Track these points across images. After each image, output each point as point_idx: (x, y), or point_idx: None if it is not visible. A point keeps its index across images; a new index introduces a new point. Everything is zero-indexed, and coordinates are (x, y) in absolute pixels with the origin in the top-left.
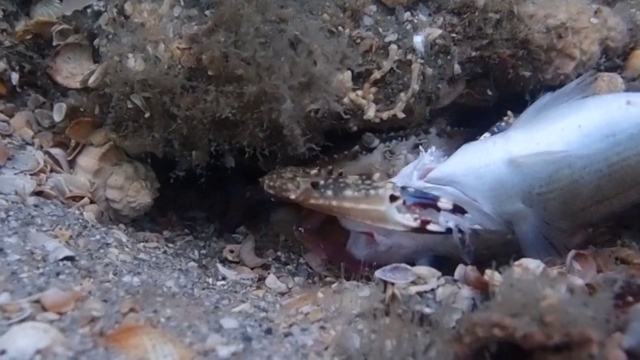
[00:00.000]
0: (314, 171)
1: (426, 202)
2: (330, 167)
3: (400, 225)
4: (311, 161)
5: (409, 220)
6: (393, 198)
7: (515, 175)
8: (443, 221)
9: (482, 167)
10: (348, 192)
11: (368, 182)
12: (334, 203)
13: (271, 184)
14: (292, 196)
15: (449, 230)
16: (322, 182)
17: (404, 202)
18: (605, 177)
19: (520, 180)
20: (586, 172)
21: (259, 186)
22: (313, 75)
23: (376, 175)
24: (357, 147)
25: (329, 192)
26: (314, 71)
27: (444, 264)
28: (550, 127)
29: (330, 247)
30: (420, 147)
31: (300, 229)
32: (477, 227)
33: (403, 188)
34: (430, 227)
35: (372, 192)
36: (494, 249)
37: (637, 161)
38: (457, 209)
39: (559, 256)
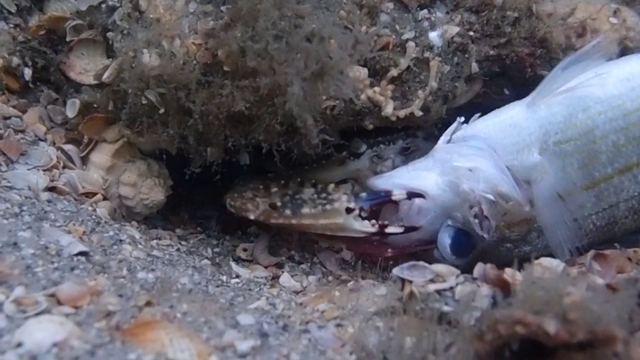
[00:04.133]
0: (274, 189)
1: (381, 200)
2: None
3: (361, 232)
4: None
5: (368, 227)
6: (349, 210)
7: (532, 120)
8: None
9: (503, 117)
10: (305, 210)
11: (324, 195)
12: (294, 222)
13: (232, 203)
14: (252, 217)
15: (407, 230)
16: (279, 203)
17: (361, 209)
18: (623, 131)
19: (537, 126)
20: (601, 120)
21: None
22: (326, 63)
23: (330, 187)
24: (345, 153)
25: (288, 212)
26: (326, 59)
27: (465, 242)
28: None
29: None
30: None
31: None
32: (490, 196)
33: (356, 196)
34: (389, 229)
35: (328, 207)
36: (515, 232)
37: None
38: (413, 195)
39: (574, 241)
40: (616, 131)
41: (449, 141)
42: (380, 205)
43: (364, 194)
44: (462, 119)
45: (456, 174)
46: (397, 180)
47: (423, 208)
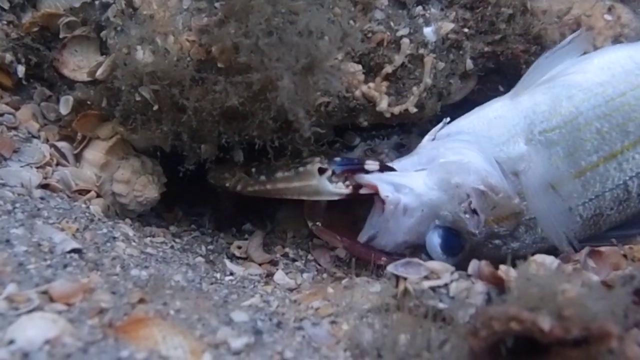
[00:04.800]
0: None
1: (354, 167)
2: None
3: (335, 194)
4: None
5: (342, 188)
6: (321, 170)
7: (517, 110)
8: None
9: (487, 110)
10: (279, 174)
11: (297, 160)
12: (269, 186)
13: (212, 174)
14: (228, 184)
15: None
16: (253, 169)
17: (333, 172)
18: (606, 118)
19: (522, 117)
20: (585, 107)
21: None
22: (315, 57)
23: (305, 152)
24: (337, 145)
25: (262, 177)
26: (315, 52)
27: (455, 242)
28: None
29: (348, 239)
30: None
31: (317, 223)
32: (482, 187)
33: (330, 159)
34: (363, 190)
35: (301, 169)
36: (504, 227)
37: (635, 98)
38: (385, 168)
39: (569, 227)
40: (599, 118)
41: (433, 139)
42: (352, 171)
43: (337, 159)
44: (448, 119)
45: (445, 169)
46: (385, 177)
47: (409, 207)
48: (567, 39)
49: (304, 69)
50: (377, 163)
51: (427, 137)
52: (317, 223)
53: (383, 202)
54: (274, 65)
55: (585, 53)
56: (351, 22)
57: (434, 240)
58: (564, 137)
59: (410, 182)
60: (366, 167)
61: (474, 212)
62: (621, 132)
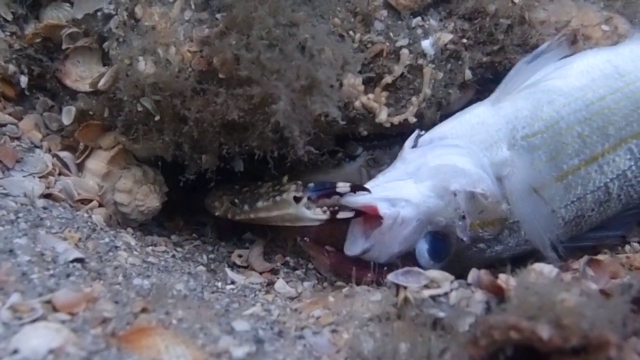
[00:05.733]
0: (237, 187)
1: (327, 191)
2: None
3: (314, 220)
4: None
5: (319, 214)
6: (297, 199)
7: (499, 116)
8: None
9: (469, 116)
10: (260, 203)
11: (277, 187)
12: (252, 216)
13: (207, 201)
14: (217, 213)
15: (357, 214)
16: (237, 200)
17: (309, 198)
18: (586, 122)
19: (504, 122)
20: (566, 112)
21: None
22: (315, 79)
23: (285, 179)
24: (340, 155)
25: (246, 207)
26: (315, 75)
27: (442, 246)
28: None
29: (335, 255)
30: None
31: (305, 238)
32: (479, 190)
33: (304, 186)
34: (340, 215)
35: (278, 198)
36: (488, 231)
37: (614, 102)
38: (357, 189)
39: (553, 232)
40: (580, 122)
41: (414, 146)
42: (327, 195)
43: (311, 185)
44: (423, 131)
45: (439, 174)
46: (376, 194)
47: (406, 218)
48: (546, 43)
49: (304, 89)
50: (348, 185)
51: (407, 144)
52: (305, 239)
53: (380, 217)
54: (273, 83)
55: (566, 57)
56: (357, 35)
57: (423, 246)
58: (545, 141)
59: (404, 194)
60: (338, 190)
61: (463, 217)
62: (601, 136)
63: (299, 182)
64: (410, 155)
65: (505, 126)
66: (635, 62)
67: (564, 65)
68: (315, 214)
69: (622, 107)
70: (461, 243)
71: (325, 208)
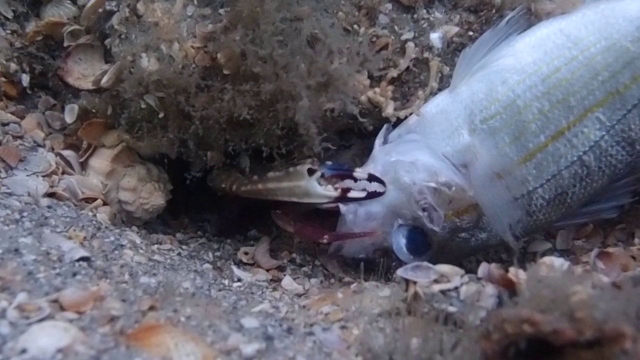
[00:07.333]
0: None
1: (343, 173)
2: None
3: (324, 197)
4: None
5: (331, 191)
6: (311, 171)
7: (456, 103)
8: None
9: (430, 107)
10: (270, 173)
11: (290, 161)
12: (260, 186)
13: (210, 176)
14: (224, 185)
15: (369, 195)
16: (247, 168)
17: (323, 175)
18: (545, 97)
19: (462, 108)
20: (521, 89)
21: None
22: (331, 75)
23: (298, 153)
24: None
25: (255, 177)
26: (333, 72)
27: (421, 240)
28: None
29: (299, 224)
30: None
31: (277, 211)
32: (432, 184)
33: (321, 162)
34: (351, 194)
35: (291, 169)
36: (466, 219)
37: (570, 72)
38: (373, 179)
39: (516, 220)
40: (538, 98)
41: (384, 143)
42: (341, 176)
43: (329, 162)
44: (391, 125)
45: (395, 169)
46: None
47: (372, 212)
48: (504, 19)
49: (320, 85)
50: (366, 172)
51: (377, 142)
52: (278, 211)
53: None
54: (291, 80)
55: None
56: (362, 29)
57: (400, 241)
58: (505, 122)
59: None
60: (355, 174)
61: (433, 208)
62: (564, 109)
63: (315, 158)
64: (380, 153)
65: (464, 112)
66: (587, 27)
67: (515, 41)
68: (327, 191)
69: (580, 77)
70: (439, 235)
71: (337, 186)
